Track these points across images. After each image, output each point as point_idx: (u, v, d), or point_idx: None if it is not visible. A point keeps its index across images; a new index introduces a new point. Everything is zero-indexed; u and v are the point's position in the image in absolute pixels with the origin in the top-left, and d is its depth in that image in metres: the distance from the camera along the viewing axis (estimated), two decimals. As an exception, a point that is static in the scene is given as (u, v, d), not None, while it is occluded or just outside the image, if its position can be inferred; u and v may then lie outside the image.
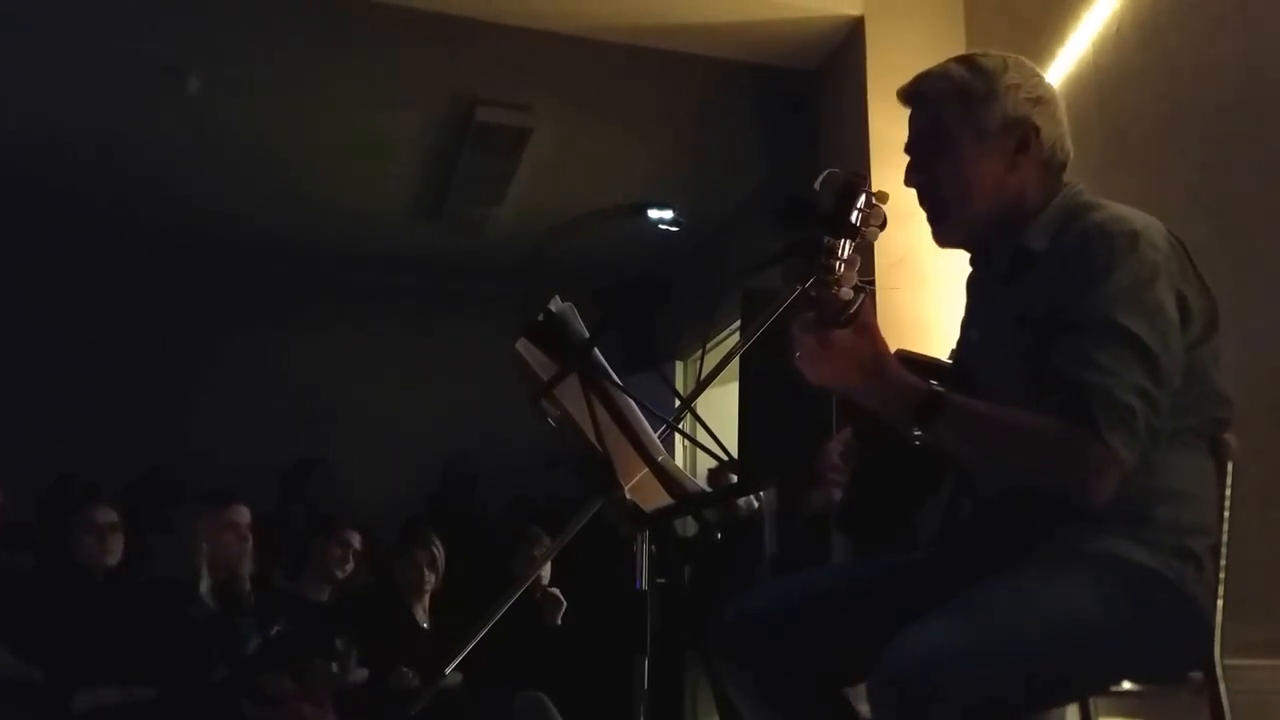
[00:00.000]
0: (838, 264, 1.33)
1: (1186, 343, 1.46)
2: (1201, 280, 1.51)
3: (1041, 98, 1.60)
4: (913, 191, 1.65)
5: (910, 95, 1.65)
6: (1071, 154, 1.63)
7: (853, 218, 1.33)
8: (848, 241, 1.33)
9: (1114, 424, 1.34)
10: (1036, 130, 1.58)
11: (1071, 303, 1.43)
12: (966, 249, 1.68)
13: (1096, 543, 1.43)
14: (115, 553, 3.71)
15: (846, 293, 1.34)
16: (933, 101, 1.61)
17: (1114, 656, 1.43)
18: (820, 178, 1.40)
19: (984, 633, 1.29)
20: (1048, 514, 1.46)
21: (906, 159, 1.67)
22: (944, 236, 1.64)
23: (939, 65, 1.64)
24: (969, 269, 1.72)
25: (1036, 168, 1.59)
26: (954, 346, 1.72)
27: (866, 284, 1.38)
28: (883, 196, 1.36)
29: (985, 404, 1.42)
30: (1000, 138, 1.58)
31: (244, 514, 3.85)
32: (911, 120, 1.66)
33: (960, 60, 1.63)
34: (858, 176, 1.35)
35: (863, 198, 1.32)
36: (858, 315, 1.35)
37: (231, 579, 3.92)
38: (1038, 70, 1.65)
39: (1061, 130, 1.62)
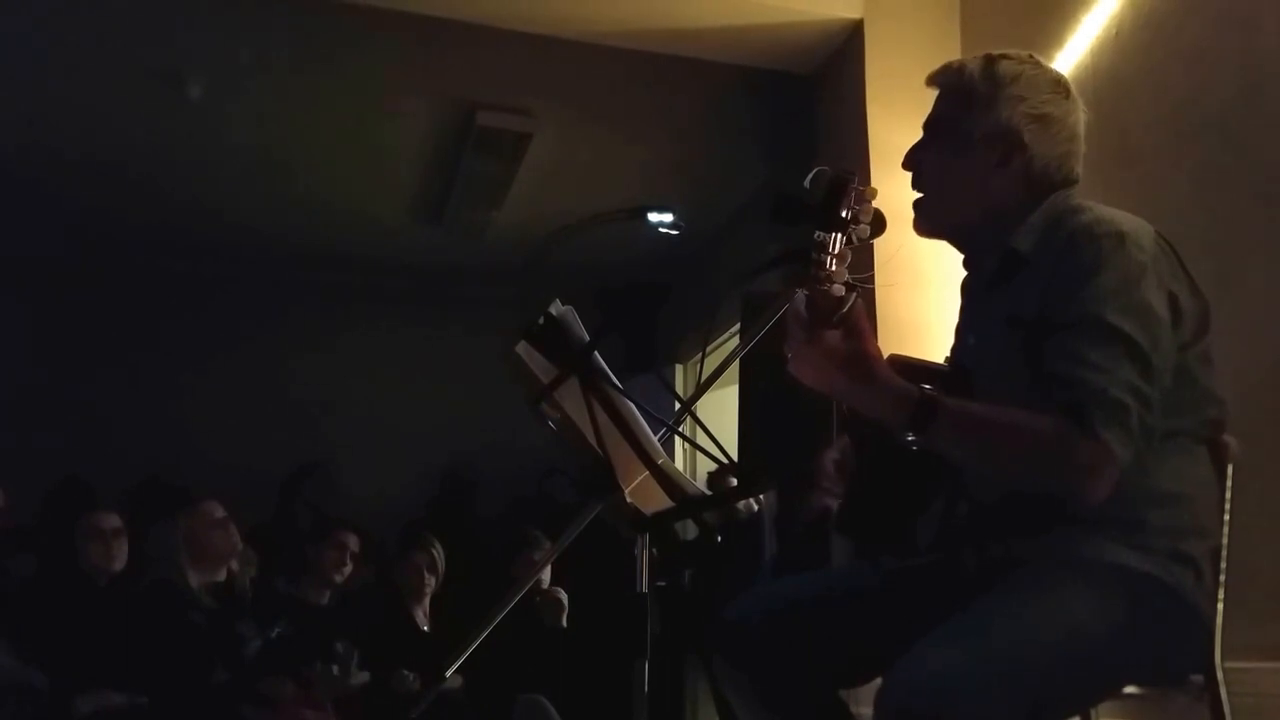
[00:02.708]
0: (829, 259, 1.33)
1: (1178, 343, 1.46)
2: (1192, 281, 1.51)
3: (1045, 116, 1.58)
4: (908, 192, 1.67)
5: (931, 81, 1.68)
6: (1076, 174, 1.61)
7: (841, 212, 1.33)
8: (838, 236, 1.33)
9: (1107, 421, 1.34)
10: (1023, 148, 1.57)
11: (1061, 303, 1.44)
12: (951, 243, 1.69)
13: (1092, 548, 1.44)
14: (120, 558, 3.73)
15: (838, 289, 1.34)
16: (941, 94, 1.65)
17: (1116, 665, 1.43)
18: (810, 175, 1.40)
19: (985, 657, 1.29)
20: (1043, 518, 1.47)
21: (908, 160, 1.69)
22: (917, 224, 1.67)
23: (967, 58, 1.65)
24: (964, 273, 1.73)
25: (1018, 182, 1.58)
26: (949, 350, 1.73)
27: (861, 282, 1.38)
28: (871, 192, 1.36)
29: (978, 405, 1.42)
30: (982, 147, 1.58)
31: (219, 509, 3.85)
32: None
33: (985, 58, 1.62)
34: (846, 172, 1.35)
35: (851, 193, 1.33)
36: (849, 317, 1.35)
37: (229, 579, 3.93)
38: (1059, 87, 1.61)
39: (1062, 152, 1.59)
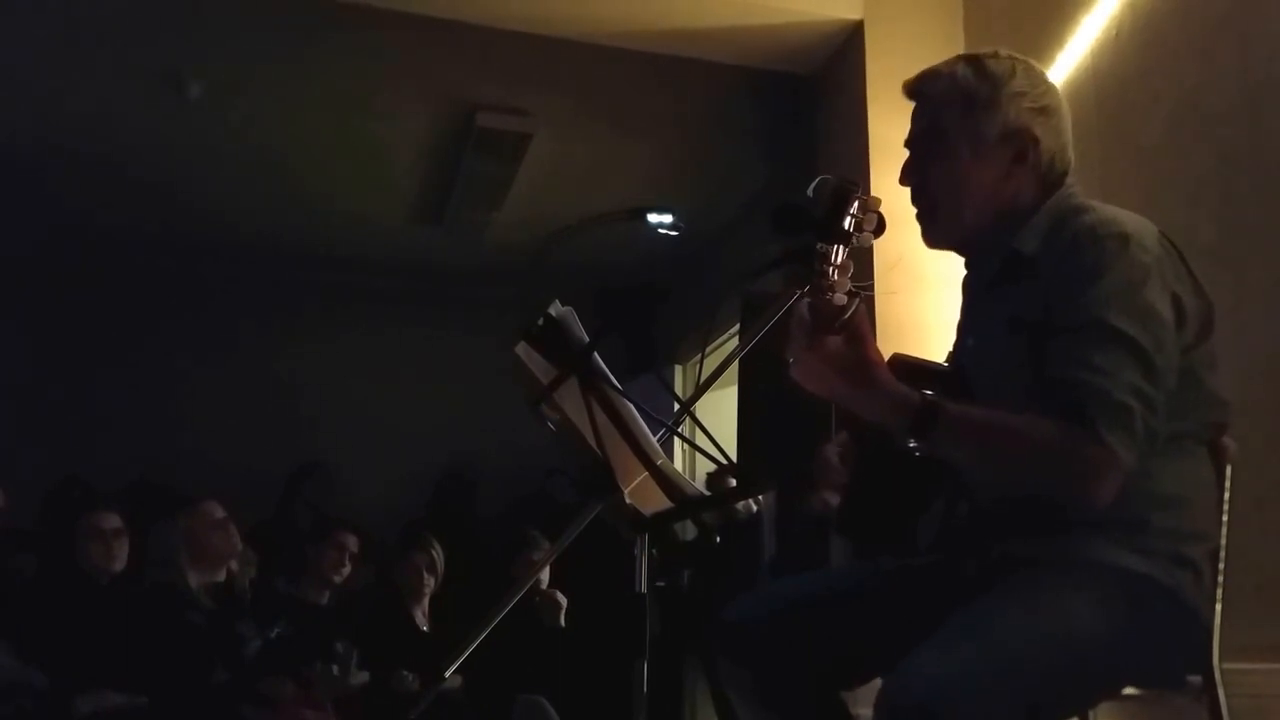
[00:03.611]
0: (831, 270, 1.33)
1: (1181, 346, 1.45)
2: (1196, 282, 1.51)
3: (1046, 107, 1.59)
4: (903, 195, 1.65)
5: (913, 92, 1.64)
6: (1073, 162, 1.62)
7: (845, 223, 1.32)
8: (840, 247, 1.33)
9: (1111, 424, 1.34)
10: (1035, 142, 1.57)
11: (1064, 307, 1.43)
12: (958, 252, 1.68)
13: (1093, 551, 1.44)
14: (120, 558, 3.72)
15: (840, 298, 1.33)
16: (934, 102, 1.60)
17: (1115, 667, 1.43)
18: (813, 184, 1.40)
19: (985, 659, 1.29)
20: (1043, 519, 1.47)
21: (906, 161, 1.67)
22: (932, 238, 1.65)
23: (945, 63, 1.63)
24: (965, 271, 1.72)
25: (1032, 178, 1.58)
26: (950, 350, 1.73)
27: (863, 289, 1.37)
28: (875, 202, 1.36)
29: (981, 410, 1.42)
30: (998, 147, 1.57)
31: (219, 509, 3.85)
32: (913, 117, 1.65)
33: (968, 61, 1.61)
34: (850, 183, 1.35)
35: (855, 204, 1.33)
36: (850, 322, 1.35)
37: (229, 579, 3.93)
38: (1046, 77, 1.63)
39: (1063, 141, 1.60)
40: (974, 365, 1.61)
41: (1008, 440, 1.38)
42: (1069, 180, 1.61)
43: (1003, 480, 1.48)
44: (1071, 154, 1.62)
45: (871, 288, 1.38)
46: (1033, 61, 1.64)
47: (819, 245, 1.33)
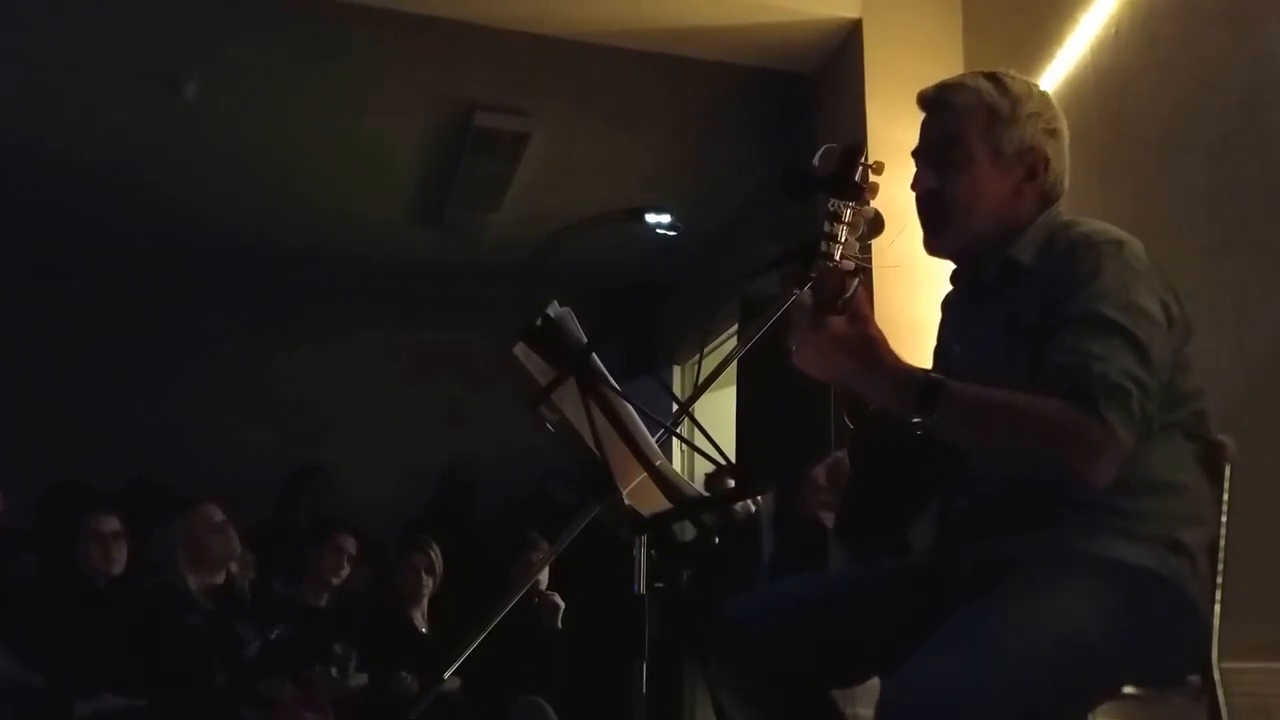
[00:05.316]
0: (841, 229, 1.35)
1: (1174, 346, 1.49)
2: (1177, 297, 1.55)
3: (1056, 130, 1.65)
4: (905, 189, 1.67)
5: (933, 101, 1.67)
6: (1067, 189, 1.67)
7: (856, 178, 1.36)
8: (851, 207, 1.35)
9: (1110, 404, 1.36)
10: (1046, 161, 1.62)
11: (1060, 304, 1.47)
12: (954, 260, 1.71)
13: (1089, 545, 1.45)
14: (119, 561, 3.73)
15: (847, 264, 1.36)
16: (957, 112, 1.63)
17: (1115, 666, 1.44)
18: (819, 154, 1.42)
19: (985, 663, 1.29)
20: (1039, 512, 1.48)
21: (908, 162, 1.69)
22: (937, 244, 1.67)
23: (966, 76, 1.68)
24: (949, 287, 1.75)
25: (1037, 197, 1.63)
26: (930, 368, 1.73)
27: (864, 260, 1.40)
28: (879, 165, 1.39)
29: (984, 388, 1.43)
30: (1013, 162, 1.62)
31: (218, 512, 3.85)
32: (927, 125, 1.68)
33: (988, 77, 1.66)
34: (857, 143, 1.38)
35: (863, 165, 1.36)
36: (853, 302, 1.37)
37: (227, 581, 3.93)
38: (1055, 104, 1.69)
39: (1066, 165, 1.66)
40: (963, 371, 1.61)
41: (1010, 416, 1.40)
42: (1059, 203, 1.67)
43: (1003, 458, 1.49)
44: (1068, 180, 1.67)
45: (869, 261, 1.41)
46: (1043, 89, 1.70)
47: (830, 202, 1.36)
